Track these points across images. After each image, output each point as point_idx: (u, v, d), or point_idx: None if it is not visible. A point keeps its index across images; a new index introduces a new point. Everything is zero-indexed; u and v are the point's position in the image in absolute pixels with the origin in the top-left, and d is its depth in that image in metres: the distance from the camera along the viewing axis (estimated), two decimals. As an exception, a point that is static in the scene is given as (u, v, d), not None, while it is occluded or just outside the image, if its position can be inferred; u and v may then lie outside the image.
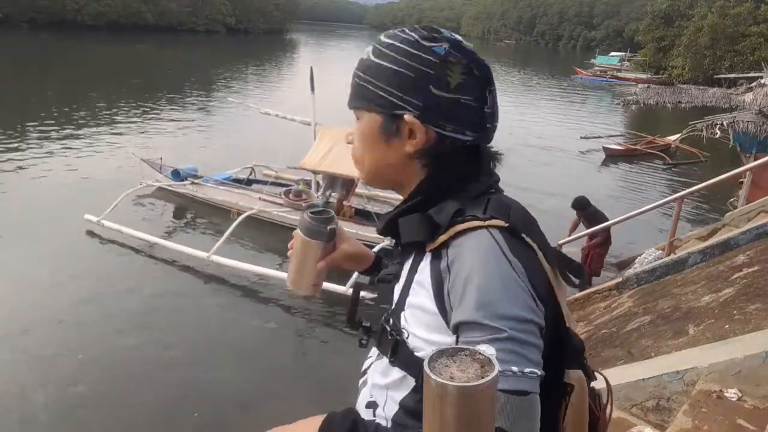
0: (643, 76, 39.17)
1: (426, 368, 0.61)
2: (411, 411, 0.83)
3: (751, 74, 14.14)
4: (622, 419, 2.60)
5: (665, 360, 2.96)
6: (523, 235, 0.77)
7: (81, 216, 7.39)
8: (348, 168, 7.26)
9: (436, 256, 0.80)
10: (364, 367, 0.99)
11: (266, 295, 6.19)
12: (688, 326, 3.36)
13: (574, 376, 0.82)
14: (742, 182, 7.27)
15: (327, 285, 6.02)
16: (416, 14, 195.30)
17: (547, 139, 15.80)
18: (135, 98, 17.92)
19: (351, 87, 0.88)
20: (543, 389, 0.70)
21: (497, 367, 0.61)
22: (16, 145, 11.40)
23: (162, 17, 61.43)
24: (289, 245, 1.08)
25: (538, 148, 14.50)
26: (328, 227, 1.04)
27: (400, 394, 0.86)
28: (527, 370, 0.68)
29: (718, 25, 34.94)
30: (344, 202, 7.79)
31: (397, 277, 0.91)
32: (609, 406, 0.93)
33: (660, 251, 5.97)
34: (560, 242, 6.09)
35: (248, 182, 9.02)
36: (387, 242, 6.62)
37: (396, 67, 0.82)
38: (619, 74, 42.91)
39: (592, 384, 0.89)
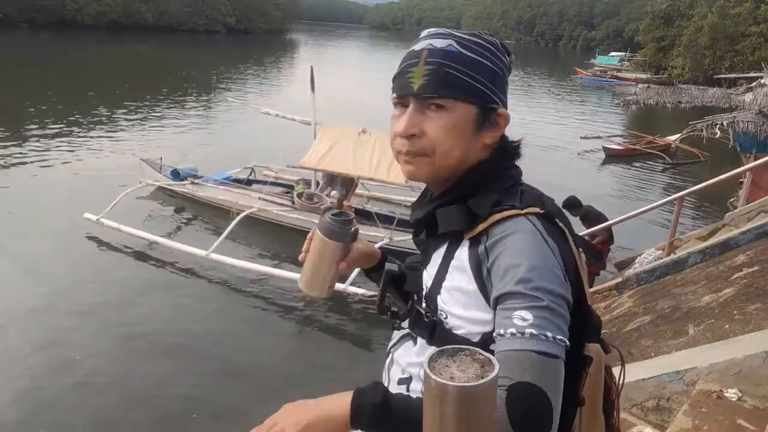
0: (643, 76, 39.15)
1: (426, 368, 0.61)
2: None
3: (751, 74, 14.14)
4: (622, 419, 2.59)
5: (665, 360, 2.96)
6: (557, 221, 0.87)
7: (80, 215, 7.39)
8: (347, 167, 7.27)
9: (475, 242, 0.87)
10: (388, 350, 1.07)
11: (264, 293, 6.19)
12: (688, 326, 3.36)
13: (593, 349, 0.90)
14: (742, 182, 7.27)
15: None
16: (416, 14, 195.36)
17: (547, 139, 15.77)
18: (135, 98, 17.92)
19: (433, 75, 0.88)
20: (566, 359, 0.77)
21: (497, 368, 0.62)
22: (15, 144, 11.40)
23: (162, 17, 61.42)
24: (304, 248, 1.07)
25: (538, 148, 14.46)
26: (352, 229, 1.06)
27: None
28: (558, 337, 0.75)
29: (718, 25, 34.93)
30: (344, 202, 7.79)
31: (424, 264, 0.98)
32: (621, 377, 1.02)
33: (660, 251, 5.96)
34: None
35: (248, 182, 9.02)
36: (385, 242, 6.62)
37: (490, 64, 0.90)
38: (619, 74, 42.89)
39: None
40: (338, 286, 5.72)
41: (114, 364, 4.70)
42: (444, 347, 0.65)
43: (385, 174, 6.94)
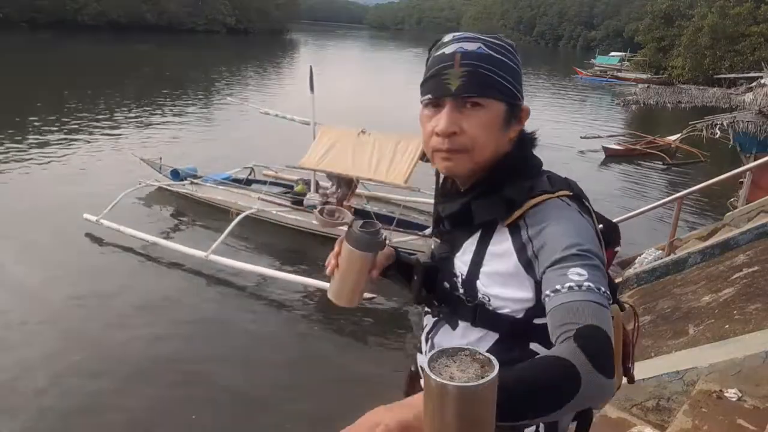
0: (643, 76, 39.16)
1: (426, 368, 0.61)
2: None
3: (751, 74, 14.15)
4: (622, 419, 2.60)
5: (665, 360, 2.96)
6: (584, 200, 0.99)
7: (80, 215, 7.39)
8: (347, 168, 7.26)
9: (515, 228, 0.96)
10: (425, 336, 1.14)
11: (264, 294, 6.18)
12: (688, 326, 3.36)
13: (613, 308, 1.00)
14: (742, 182, 7.26)
15: (322, 283, 5.99)
16: (416, 14, 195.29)
17: (547, 139, 15.77)
18: (135, 98, 17.93)
19: (469, 76, 0.94)
20: None
21: (497, 368, 0.62)
22: (15, 144, 11.39)
23: (162, 17, 61.37)
24: (332, 262, 1.09)
25: (538, 148, 14.45)
26: (381, 237, 1.07)
27: (482, 349, 0.95)
28: (607, 292, 0.85)
29: (718, 25, 34.91)
30: (344, 202, 7.79)
31: (453, 252, 1.05)
32: (636, 327, 1.14)
33: (660, 251, 5.96)
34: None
35: (248, 182, 9.01)
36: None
37: (512, 64, 0.99)
38: (619, 74, 42.87)
39: None
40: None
41: (112, 363, 4.69)
42: (444, 347, 0.65)
43: (384, 174, 6.94)
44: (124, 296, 5.83)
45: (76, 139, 12.36)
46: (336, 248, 1.09)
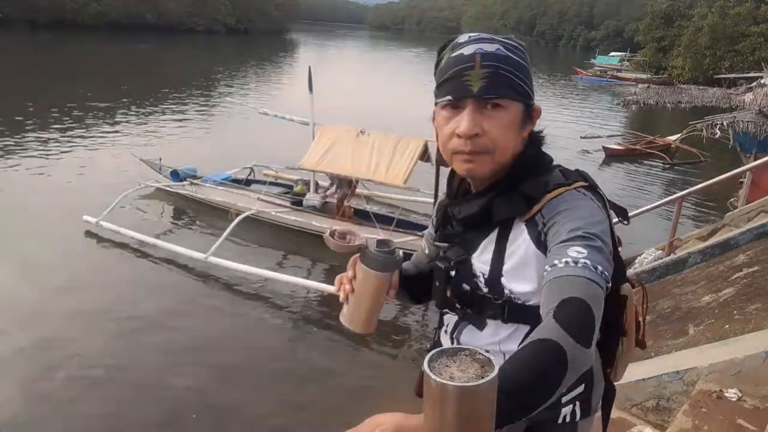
0: (643, 76, 39.13)
1: (426, 368, 0.61)
2: None
3: (751, 74, 14.15)
4: (622, 419, 2.60)
5: (665, 360, 2.96)
6: (598, 190, 1.01)
7: (79, 217, 7.39)
8: (346, 168, 7.26)
9: (532, 222, 0.98)
10: (451, 337, 1.12)
11: (264, 295, 6.18)
12: (688, 326, 3.36)
13: (626, 288, 1.08)
14: (742, 182, 7.26)
15: (322, 285, 5.99)
16: (416, 14, 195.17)
17: (547, 139, 15.71)
18: (135, 98, 17.91)
19: (491, 77, 0.95)
20: (608, 299, 0.88)
21: (497, 368, 0.62)
22: (15, 145, 11.39)
23: (162, 17, 61.32)
24: (346, 287, 1.06)
25: (538, 148, 14.45)
26: (398, 257, 1.04)
27: (514, 344, 1.01)
28: (605, 273, 0.87)
29: (718, 25, 34.90)
30: (344, 202, 7.80)
31: (469, 253, 1.05)
32: (645, 303, 1.18)
33: (660, 251, 5.96)
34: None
35: (247, 182, 9.01)
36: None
37: (526, 64, 1.00)
38: (619, 74, 42.86)
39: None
40: (333, 288, 5.76)
41: (111, 365, 4.70)
42: (444, 347, 0.65)
43: (384, 175, 6.93)
44: (124, 298, 5.82)
45: (75, 140, 12.35)
46: (350, 272, 1.06)
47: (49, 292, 5.78)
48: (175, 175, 8.88)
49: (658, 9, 44.81)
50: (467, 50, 0.96)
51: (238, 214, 7.17)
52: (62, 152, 11.26)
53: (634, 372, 2.76)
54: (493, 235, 1.02)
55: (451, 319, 1.12)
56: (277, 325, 5.74)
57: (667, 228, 6.83)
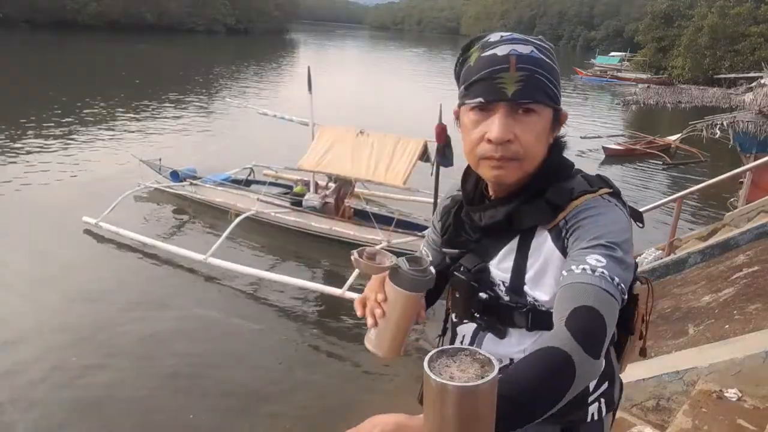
0: (643, 76, 39.11)
1: (426, 368, 0.61)
2: None
3: (751, 74, 14.15)
4: (622, 419, 2.59)
5: (665, 360, 2.96)
6: (621, 197, 0.99)
7: (79, 218, 7.38)
8: (345, 169, 7.26)
9: (556, 231, 0.95)
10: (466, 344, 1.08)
11: (262, 297, 6.18)
12: (688, 326, 3.36)
13: (637, 287, 1.08)
14: (742, 182, 7.27)
15: (323, 287, 5.98)
16: (416, 14, 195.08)
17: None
18: (134, 99, 17.90)
19: (527, 80, 0.91)
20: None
21: (497, 368, 0.62)
22: (14, 145, 11.38)
23: (162, 17, 61.30)
24: (376, 311, 0.98)
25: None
26: (432, 274, 0.95)
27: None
28: (622, 285, 0.86)
29: (718, 25, 34.89)
30: (344, 201, 7.80)
31: (486, 260, 1.03)
32: (650, 301, 1.14)
33: (660, 251, 5.96)
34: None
35: (247, 183, 9.02)
36: (383, 244, 6.60)
37: (557, 68, 0.97)
38: (619, 74, 42.83)
39: None
40: (335, 291, 5.69)
41: (109, 367, 4.69)
42: (444, 347, 0.65)
43: (383, 175, 6.93)
44: (123, 299, 5.81)
45: (75, 140, 12.34)
46: (380, 295, 0.97)
47: (48, 292, 5.78)
48: (175, 176, 8.88)
49: (658, 9, 44.78)
50: (501, 50, 0.91)
51: (237, 215, 7.17)
52: (62, 152, 11.25)
53: (634, 372, 2.75)
54: (514, 243, 1.00)
55: (467, 329, 1.09)
56: (277, 326, 5.73)
57: (667, 228, 6.83)
